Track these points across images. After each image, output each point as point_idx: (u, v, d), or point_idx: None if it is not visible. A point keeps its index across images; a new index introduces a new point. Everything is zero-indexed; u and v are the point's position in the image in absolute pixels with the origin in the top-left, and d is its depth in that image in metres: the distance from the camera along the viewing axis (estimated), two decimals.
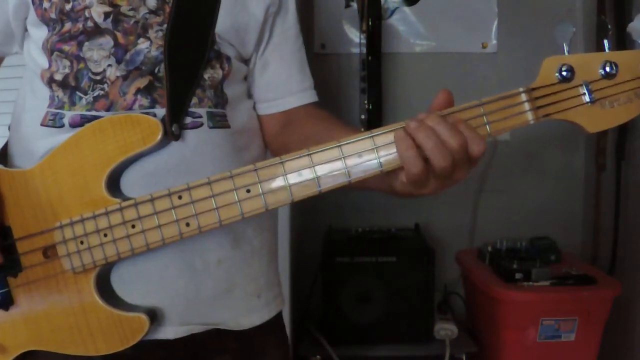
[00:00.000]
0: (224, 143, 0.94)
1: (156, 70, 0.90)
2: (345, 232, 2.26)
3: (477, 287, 2.09)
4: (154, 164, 0.88)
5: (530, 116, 0.76)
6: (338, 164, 0.77)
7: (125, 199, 0.85)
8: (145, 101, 0.89)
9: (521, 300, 1.92)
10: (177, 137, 0.88)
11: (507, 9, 2.40)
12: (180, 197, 0.82)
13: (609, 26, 0.83)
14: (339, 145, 0.77)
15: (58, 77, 0.90)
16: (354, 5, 2.39)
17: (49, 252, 0.87)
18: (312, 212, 2.36)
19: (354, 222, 2.34)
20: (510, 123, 0.76)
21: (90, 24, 0.89)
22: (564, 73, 0.76)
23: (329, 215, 2.37)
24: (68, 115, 0.89)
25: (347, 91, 2.41)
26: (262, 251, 1.02)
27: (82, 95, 0.89)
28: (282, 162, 0.79)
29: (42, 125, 0.91)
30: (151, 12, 0.91)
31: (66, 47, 0.90)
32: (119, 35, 0.89)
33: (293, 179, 0.79)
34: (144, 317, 0.86)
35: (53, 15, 0.90)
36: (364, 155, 0.77)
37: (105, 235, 0.84)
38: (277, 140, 1.04)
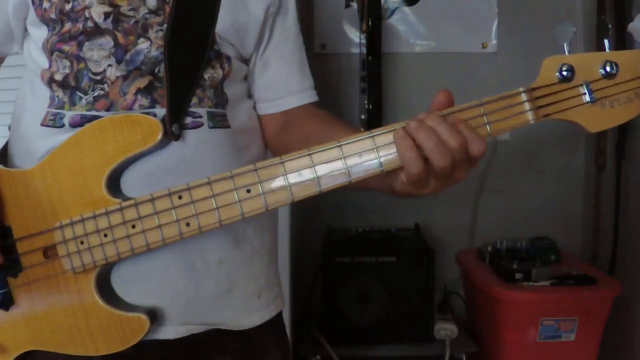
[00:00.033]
0: (224, 143, 0.94)
1: (156, 70, 0.90)
2: (345, 232, 2.27)
3: (477, 287, 2.09)
4: (154, 164, 0.88)
5: (530, 116, 0.76)
6: (338, 164, 0.77)
7: (126, 199, 0.85)
8: (145, 101, 0.89)
9: (521, 300, 1.92)
10: (177, 137, 0.88)
11: (507, 9, 2.40)
12: (180, 197, 0.82)
13: (609, 26, 0.83)
14: (340, 145, 0.77)
15: (58, 77, 0.90)
16: (354, 5, 2.39)
17: (49, 252, 0.87)
18: (312, 212, 2.36)
19: (354, 222, 2.34)
20: (510, 123, 0.76)
21: (90, 24, 0.89)
22: (565, 73, 0.76)
23: (329, 215, 2.37)
24: (68, 115, 0.89)
25: (347, 91, 2.41)
26: (262, 251, 1.02)
27: (82, 95, 0.89)
28: (282, 162, 0.79)
29: (42, 125, 0.91)
30: (151, 12, 0.91)
31: (66, 47, 0.90)
32: (119, 35, 0.89)
33: (293, 178, 0.79)
34: (144, 317, 0.86)
35: (53, 16, 0.90)
36: (364, 155, 0.77)
37: (106, 235, 0.84)
38: (277, 140, 1.04)
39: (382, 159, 0.76)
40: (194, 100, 0.91)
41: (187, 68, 0.91)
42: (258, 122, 1.05)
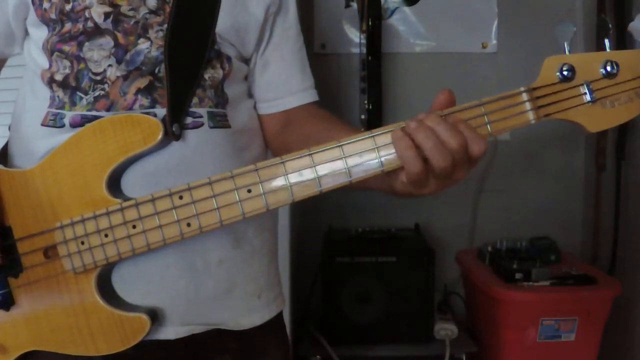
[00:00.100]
0: (225, 143, 0.94)
1: (156, 71, 0.90)
2: (346, 232, 2.27)
3: (477, 287, 2.09)
4: (154, 164, 0.88)
5: (531, 116, 0.76)
6: (339, 164, 0.77)
7: (126, 199, 0.85)
8: (145, 101, 0.89)
9: (521, 300, 1.92)
10: (177, 137, 0.88)
11: (507, 9, 2.40)
12: (181, 197, 0.82)
13: (610, 25, 0.83)
14: (340, 145, 0.77)
15: (58, 77, 0.90)
16: (354, 5, 2.39)
17: (49, 252, 0.87)
18: (312, 212, 2.36)
19: (354, 222, 2.34)
20: (511, 123, 0.76)
21: (90, 24, 0.89)
22: (565, 73, 0.76)
23: (329, 215, 2.37)
24: (68, 115, 0.89)
25: (347, 91, 2.41)
26: (263, 251, 1.02)
27: (82, 95, 0.89)
28: (283, 162, 0.79)
29: (42, 125, 0.91)
30: (151, 12, 0.91)
31: (66, 48, 0.90)
32: (119, 35, 0.89)
33: (294, 178, 0.79)
34: (144, 317, 0.86)
35: (53, 16, 0.90)
36: (365, 155, 0.77)
37: (106, 235, 0.84)
38: (278, 139, 1.04)
39: (382, 159, 0.76)
40: (195, 100, 0.91)
41: (188, 68, 0.91)
42: (258, 122, 1.05)
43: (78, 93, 0.89)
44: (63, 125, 0.89)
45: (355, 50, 2.38)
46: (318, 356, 1.99)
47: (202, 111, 0.92)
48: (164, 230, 0.82)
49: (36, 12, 0.91)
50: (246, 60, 1.01)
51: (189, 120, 0.90)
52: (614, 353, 2.08)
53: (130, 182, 0.87)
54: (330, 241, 2.19)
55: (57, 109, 0.90)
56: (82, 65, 0.89)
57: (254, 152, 1.01)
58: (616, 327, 2.02)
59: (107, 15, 0.89)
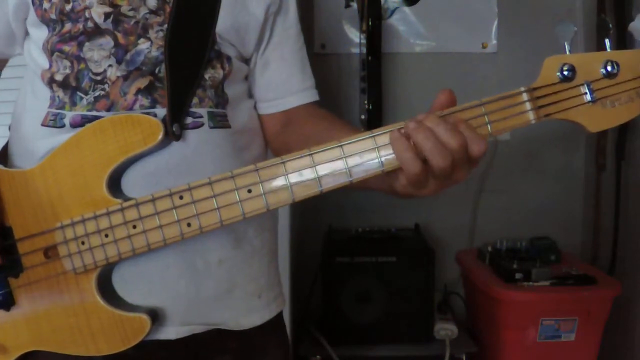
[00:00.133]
0: (225, 143, 0.94)
1: (157, 71, 0.90)
2: (346, 232, 2.27)
3: (477, 287, 2.09)
4: (154, 164, 0.88)
5: (531, 116, 0.76)
6: (339, 164, 0.77)
7: (127, 199, 0.84)
8: (145, 101, 0.89)
9: (521, 300, 1.92)
10: (177, 137, 0.88)
11: (507, 9, 2.40)
12: (181, 197, 0.82)
13: (610, 25, 0.83)
14: (340, 145, 0.77)
15: (58, 77, 0.90)
16: (354, 5, 2.39)
17: (50, 252, 0.87)
18: (312, 212, 2.36)
19: (354, 222, 2.34)
20: (511, 123, 0.76)
21: (90, 24, 0.89)
22: (566, 72, 0.76)
23: (330, 215, 2.37)
24: (69, 115, 0.89)
25: (347, 91, 2.41)
26: (263, 251, 1.02)
27: (82, 95, 0.89)
28: (283, 162, 0.79)
29: (42, 125, 0.91)
30: (151, 12, 0.91)
31: (66, 48, 0.90)
32: (119, 35, 0.89)
33: (294, 178, 0.79)
34: (145, 317, 0.86)
35: (53, 16, 0.90)
36: (365, 155, 0.76)
37: (107, 235, 0.84)
38: (278, 139, 1.04)
39: (383, 159, 0.76)
40: (195, 100, 0.91)
41: (188, 68, 0.91)
42: (259, 122, 1.05)
43: (78, 93, 0.89)
44: (63, 126, 0.89)
45: (355, 50, 2.38)
46: (318, 356, 1.99)
47: (202, 111, 0.92)
48: (164, 230, 0.82)
49: (36, 12, 0.91)
50: (246, 60, 1.01)
51: (189, 120, 0.90)
52: (614, 353, 2.08)
53: (131, 182, 0.87)
54: (330, 241, 2.19)
55: (57, 109, 0.90)
56: (82, 66, 0.89)
57: (254, 152, 1.01)
58: (616, 327, 2.02)
59: (107, 16, 0.89)
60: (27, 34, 0.96)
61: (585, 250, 2.40)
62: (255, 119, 1.04)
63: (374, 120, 2.17)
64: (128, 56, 0.89)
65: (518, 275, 1.96)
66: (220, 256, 0.94)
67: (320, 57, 2.41)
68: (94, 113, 0.88)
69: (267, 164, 0.79)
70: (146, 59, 0.89)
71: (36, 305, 0.88)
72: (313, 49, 2.40)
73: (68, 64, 0.90)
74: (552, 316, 1.91)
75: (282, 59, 1.03)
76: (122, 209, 0.83)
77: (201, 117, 0.91)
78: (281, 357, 1.08)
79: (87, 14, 0.89)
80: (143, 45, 0.90)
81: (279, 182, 0.79)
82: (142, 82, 0.89)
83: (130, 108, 0.88)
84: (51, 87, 0.91)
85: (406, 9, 2.43)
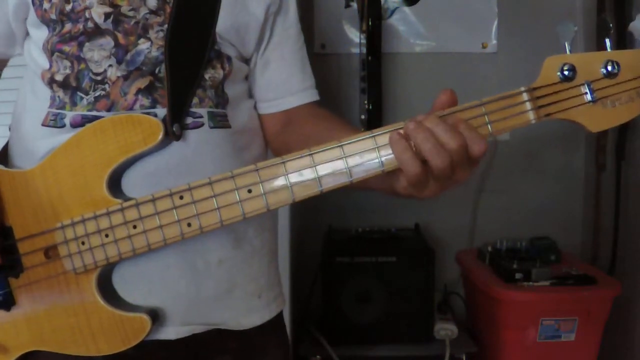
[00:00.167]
0: (225, 143, 0.94)
1: (157, 71, 0.90)
2: (346, 232, 2.27)
3: (477, 287, 2.09)
4: (155, 164, 0.88)
5: (531, 116, 0.76)
6: (339, 164, 0.77)
7: (127, 199, 0.84)
8: (146, 101, 0.89)
9: (521, 300, 1.92)
10: (178, 137, 0.88)
11: (507, 9, 2.41)
12: (181, 197, 0.82)
13: (611, 25, 0.83)
14: (341, 145, 0.77)
15: (59, 77, 0.90)
16: (354, 5, 2.39)
17: (50, 252, 0.87)
18: (312, 212, 2.36)
19: (354, 222, 2.34)
20: (511, 123, 0.76)
21: (90, 24, 0.89)
22: (566, 72, 0.76)
23: (330, 215, 2.37)
24: (69, 115, 0.89)
25: (347, 91, 2.41)
26: (263, 251, 1.02)
27: (83, 95, 0.89)
28: (283, 162, 0.79)
29: (43, 125, 0.91)
30: (152, 12, 0.91)
31: (67, 48, 0.90)
32: (119, 35, 0.89)
33: (294, 178, 0.79)
34: (145, 317, 0.86)
35: (53, 16, 0.90)
36: (366, 155, 0.76)
37: (107, 235, 0.84)
38: (278, 139, 1.04)
39: (383, 159, 0.76)
40: (195, 100, 0.91)
41: (188, 68, 0.91)
42: (259, 122, 1.05)
43: (78, 93, 0.89)
44: (63, 126, 0.89)
45: (355, 50, 2.38)
46: (318, 356, 1.99)
47: (203, 111, 0.92)
48: (164, 230, 0.82)
49: (36, 13, 0.91)
50: (246, 60, 1.01)
51: (189, 120, 0.90)
52: (614, 353, 2.08)
53: (131, 182, 0.87)
54: (330, 241, 2.19)
55: (57, 109, 0.90)
56: (82, 66, 0.89)
57: (254, 152, 1.01)
58: (616, 327, 2.02)
59: (107, 16, 0.89)
60: (27, 34, 0.96)
61: (585, 250, 2.40)
62: (256, 119, 1.04)
63: (374, 120, 2.17)
64: (128, 56, 0.89)
65: (518, 275, 1.96)
66: (221, 256, 0.94)
67: (320, 57, 2.41)
68: (95, 113, 0.88)
69: (267, 164, 0.79)
70: (146, 59, 0.89)
71: (36, 305, 0.88)
72: (313, 49, 2.40)
73: (68, 64, 0.90)
74: (552, 316, 1.91)
75: (282, 59, 1.03)
76: (122, 209, 0.83)
77: (201, 117, 0.91)
78: (281, 357, 1.08)
79: (87, 14, 0.89)
80: (143, 45, 0.90)
81: (279, 182, 0.79)
82: (143, 82, 0.89)
83: (131, 108, 0.88)
84: (51, 87, 0.91)
85: (406, 9, 2.43)
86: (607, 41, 0.79)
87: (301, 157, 0.78)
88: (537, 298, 1.92)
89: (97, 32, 0.89)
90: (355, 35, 2.40)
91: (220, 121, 0.94)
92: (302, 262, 2.21)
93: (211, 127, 0.92)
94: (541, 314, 1.92)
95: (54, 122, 0.90)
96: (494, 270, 2.07)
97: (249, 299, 0.99)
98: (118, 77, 0.89)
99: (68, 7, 0.89)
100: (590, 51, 0.78)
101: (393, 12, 2.42)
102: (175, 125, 0.88)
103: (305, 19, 2.27)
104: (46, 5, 0.90)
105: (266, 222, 1.03)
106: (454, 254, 2.34)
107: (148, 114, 0.87)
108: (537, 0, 2.40)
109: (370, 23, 2.17)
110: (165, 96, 0.89)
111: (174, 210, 0.82)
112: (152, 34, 0.90)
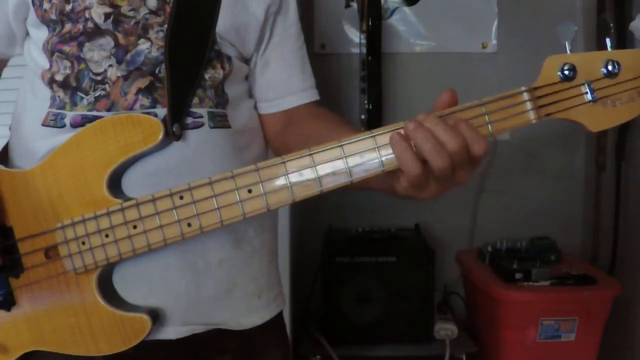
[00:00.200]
0: (225, 143, 0.94)
1: (157, 71, 0.90)
2: (346, 232, 2.27)
3: (477, 287, 2.09)
4: (155, 164, 0.88)
5: (532, 115, 0.76)
6: (339, 164, 0.77)
7: (127, 199, 0.84)
8: (146, 101, 0.89)
9: (521, 300, 1.92)
10: (178, 137, 0.88)
11: (507, 9, 2.41)
12: (181, 197, 0.82)
13: (611, 25, 0.83)
14: (341, 145, 0.77)
15: (59, 77, 0.90)
16: (354, 5, 2.39)
17: (50, 252, 0.87)
18: (312, 212, 2.36)
19: (354, 222, 2.34)
20: (512, 122, 0.76)
21: (90, 24, 0.89)
22: (566, 72, 0.76)
23: (330, 215, 2.37)
24: (69, 115, 0.89)
25: (347, 91, 2.41)
26: (263, 251, 1.02)
27: (83, 95, 0.89)
28: (283, 162, 0.79)
29: (43, 125, 0.91)
30: (152, 12, 0.91)
31: (67, 48, 0.90)
32: (119, 35, 0.89)
33: (294, 178, 0.79)
34: (145, 317, 0.86)
35: (53, 16, 0.90)
36: (366, 155, 0.76)
37: (107, 235, 0.84)
38: (278, 139, 1.04)
39: (383, 159, 0.76)
40: (195, 100, 0.91)
41: (188, 68, 0.91)
42: (259, 122, 1.05)
43: (79, 93, 0.89)
44: (64, 126, 0.89)
45: (355, 50, 2.38)
46: (318, 356, 1.99)
47: (203, 111, 0.92)
48: (164, 230, 0.82)
49: (36, 13, 0.91)
50: (246, 60, 1.01)
51: (189, 120, 0.90)
52: (614, 353, 2.08)
53: (131, 182, 0.87)
54: (330, 241, 2.19)
55: (57, 109, 0.90)
56: (82, 66, 0.89)
57: (255, 152, 1.01)
58: (616, 327, 2.02)
59: (107, 16, 0.89)
60: (27, 34, 0.96)
61: (585, 250, 2.40)
62: (256, 119, 1.04)
63: (374, 120, 2.17)
64: (128, 56, 0.89)
65: (518, 275, 1.96)
66: (221, 256, 0.94)
67: (320, 57, 2.41)
68: (95, 113, 0.88)
69: (268, 164, 0.79)
70: (146, 59, 0.89)
71: (37, 305, 0.88)
72: (313, 49, 2.40)
73: (68, 64, 0.90)
74: (552, 316, 1.91)
75: (282, 59, 1.03)
76: (122, 209, 0.83)
77: (201, 117, 0.91)
78: (281, 357, 1.08)
79: (87, 15, 0.89)
80: (143, 45, 0.90)
81: (279, 182, 0.79)
82: (143, 82, 0.89)
83: (131, 108, 0.88)
84: (51, 87, 0.91)
85: (406, 9, 2.43)
86: (608, 41, 0.79)
87: (301, 157, 0.78)
88: (537, 298, 1.92)
89: (97, 32, 0.89)
90: (355, 35, 2.40)
91: (220, 121, 0.94)
92: (302, 262, 2.21)
93: (211, 127, 0.92)
94: (541, 314, 1.92)
95: (54, 122, 0.90)
96: (494, 270, 2.07)
97: (249, 299, 0.99)
98: (118, 77, 0.89)
99: (68, 8, 0.89)
100: (591, 51, 0.78)
101: (393, 12, 2.42)
102: (176, 125, 0.88)
103: (305, 18, 2.27)
104: (46, 5, 0.90)
105: (266, 222, 1.03)
106: (454, 254, 2.34)
107: (148, 114, 0.87)
108: (537, 0, 2.40)
109: (370, 23, 2.17)
110: (165, 96, 0.89)
111: (174, 210, 0.82)
112: (152, 34, 0.90)
